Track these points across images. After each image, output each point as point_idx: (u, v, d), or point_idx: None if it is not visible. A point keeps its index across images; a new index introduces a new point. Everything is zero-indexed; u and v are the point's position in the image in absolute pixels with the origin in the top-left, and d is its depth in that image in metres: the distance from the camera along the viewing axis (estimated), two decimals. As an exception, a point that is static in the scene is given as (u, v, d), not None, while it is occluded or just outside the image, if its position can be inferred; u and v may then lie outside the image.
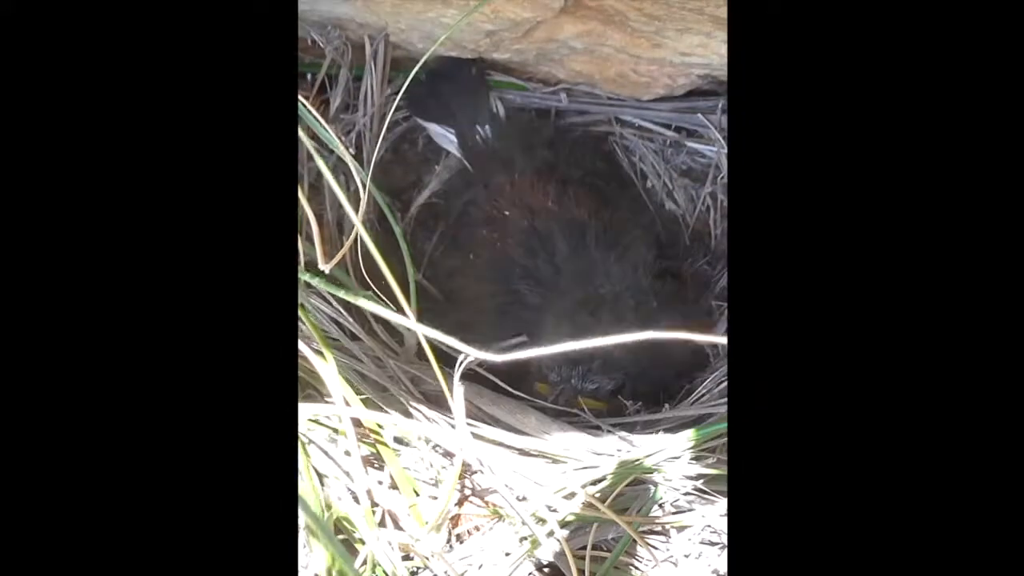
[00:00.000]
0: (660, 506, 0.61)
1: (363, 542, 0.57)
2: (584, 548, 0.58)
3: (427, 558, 0.58)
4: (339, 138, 0.57)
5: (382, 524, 0.59)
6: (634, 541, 0.58)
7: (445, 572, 0.57)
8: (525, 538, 0.58)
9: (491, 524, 0.60)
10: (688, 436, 0.62)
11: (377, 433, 0.61)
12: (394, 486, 0.60)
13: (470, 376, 0.63)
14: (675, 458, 0.61)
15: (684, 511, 0.61)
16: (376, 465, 0.61)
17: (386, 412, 0.61)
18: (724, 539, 0.60)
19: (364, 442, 0.60)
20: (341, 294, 0.55)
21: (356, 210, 0.54)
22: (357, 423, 0.60)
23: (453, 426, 0.58)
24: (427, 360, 0.55)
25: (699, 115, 0.88)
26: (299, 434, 0.59)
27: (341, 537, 0.58)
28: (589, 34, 0.76)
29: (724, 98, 0.87)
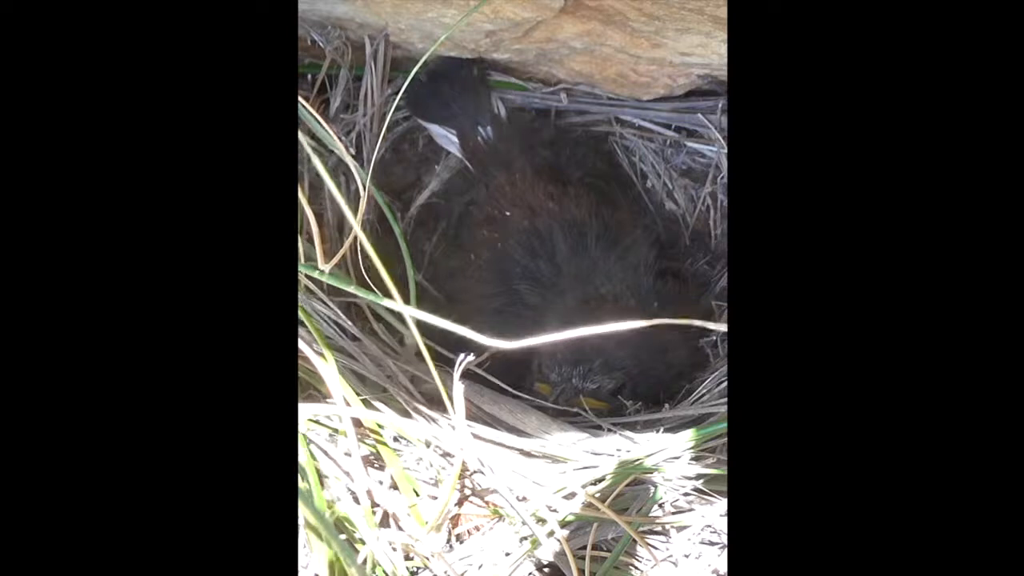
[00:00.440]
0: (660, 506, 0.61)
1: (363, 542, 0.57)
2: (584, 548, 0.58)
3: (427, 558, 0.58)
4: (339, 138, 0.57)
5: (384, 524, 0.59)
6: (634, 541, 0.58)
7: (445, 572, 0.57)
8: (525, 538, 0.58)
9: (491, 524, 0.60)
10: (688, 436, 0.62)
11: (377, 433, 0.61)
12: (394, 486, 0.60)
13: (470, 376, 0.63)
14: (675, 458, 0.61)
15: (684, 511, 0.61)
16: (376, 465, 0.61)
17: (387, 412, 0.61)
18: (724, 539, 0.60)
19: (364, 442, 0.60)
20: (341, 285, 0.55)
21: (356, 210, 0.54)
22: (357, 423, 0.60)
23: (453, 426, 0.58)
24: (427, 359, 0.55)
25: (699, 115, 0.88)
26: (300, 434, 0.59)
27: (341, 537, 0.58)
28: (589, 34, 0.76)
29: (724, 98, 0.87)
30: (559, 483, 0.59)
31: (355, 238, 0.55)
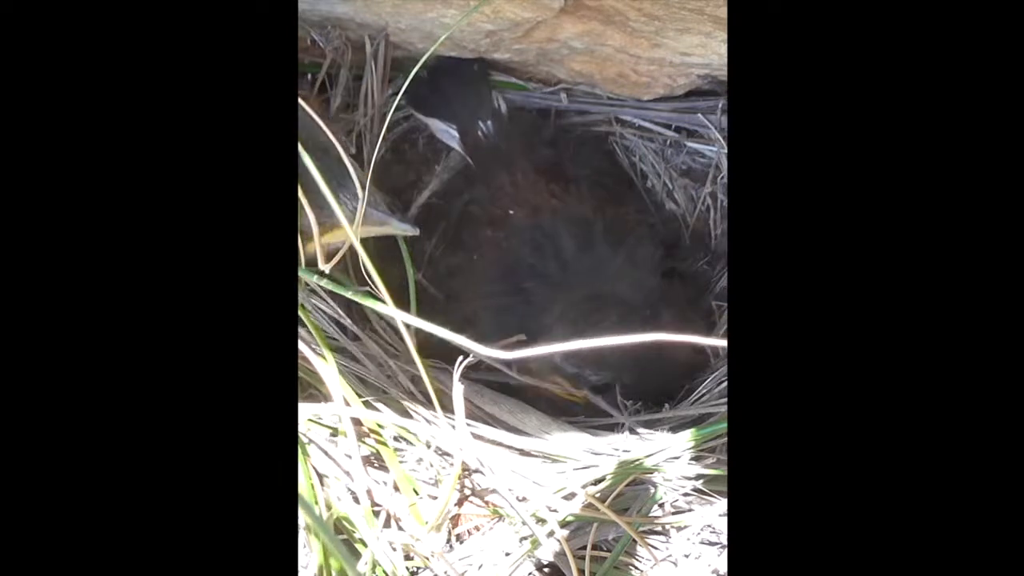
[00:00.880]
0: (660, 506, 0.61)
1: (363, 542, 0.57)
2: (584, 548, 0.58)
3: (427, 558, 0.58)
4: (339, 138, 0.57)
5: (387, 525, 0.59)
6: (634, 541, 0.58)
7: (445, 572, 0.57)
8: (525, 538, 0.58)
9: (491, 524, 0.60)
10: (688, 436, 0.62)
11: (377, 433, 0.61)
12: (394, 486, 0.60)
13: (470, 376, 0.63)
14: (675, 458, 0.61)
15: (684, 511, 0.61)
16: (376, 465, 0.61)
17: (387, 412, 0.61)
18: (724, 539, 0.60)
19: (364, 442, 0.60)
20: (339, 291, 0.55)
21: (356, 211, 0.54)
22: (357, 423, 0.60)
23: (453, 426, 0.58)
24: (427, 359, 0.55)
25: (699, 115, 0.88)
26: (300, 434, 0.59)
27: (341, 537, 0.58)
28: (589, 34, 0.76)
29: (724, 98, 0.87)
30: (559, 483, 0.59)
31: (355, 237, 0.55)
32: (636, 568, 0.59)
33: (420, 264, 0.83)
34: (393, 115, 0.84)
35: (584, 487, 0.59)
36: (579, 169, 0.81)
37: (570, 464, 0.61)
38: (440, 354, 0.65)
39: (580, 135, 0.88)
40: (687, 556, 0.59)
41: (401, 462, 0.60)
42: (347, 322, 0.66)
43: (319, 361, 0.59)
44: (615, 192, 0.82)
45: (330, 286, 0.55)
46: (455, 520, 0.60)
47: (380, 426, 0.61)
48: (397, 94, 0.73)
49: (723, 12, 0.65)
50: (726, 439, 0.61)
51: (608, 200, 0.78)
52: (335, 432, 0.61)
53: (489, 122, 0.84)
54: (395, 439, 0.62)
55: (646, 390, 0.72)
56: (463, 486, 0.61)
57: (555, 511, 0.58)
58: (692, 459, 0.61)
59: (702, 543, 0.60)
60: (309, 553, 0.55)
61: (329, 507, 0.57)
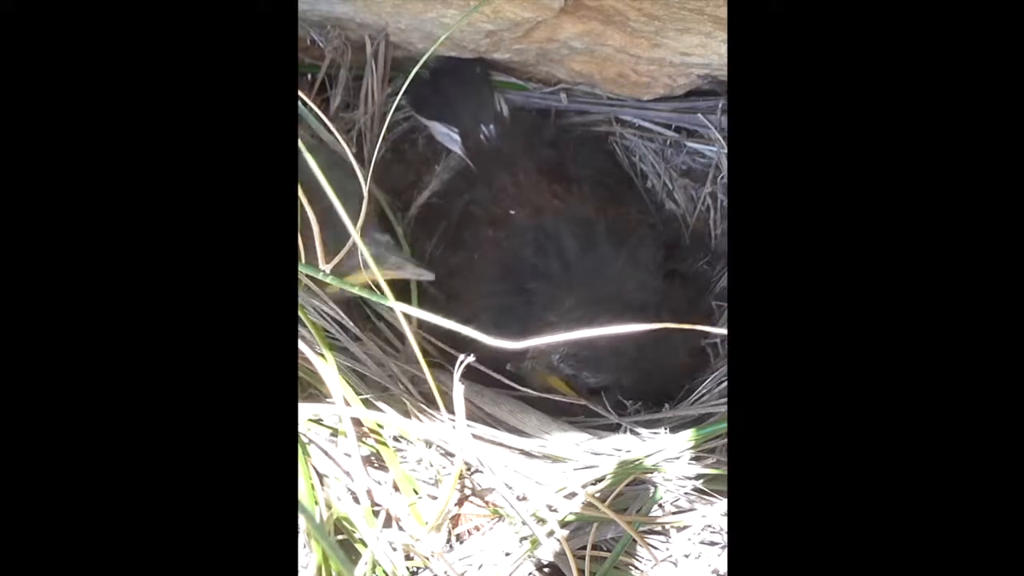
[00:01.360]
0: (660, 506, 0.61)
1: (363, 542, 0.57)
2: (584, 548, 0.58)
3: (427, 558, 0.58)
4: (339, 137, 0.57)
5: (387, 525, 0.59)
6: (634, 541, 0.58)
7: (445, 572, 0.57)
8: (525, 538, 0.58)
9: (491, 524, 0.60)
10: (688, 436, 0.62)
11: (377, 433, 0.61)
12: (394, 486, 0.60)
13: (470, 376, 0.63)
14: (675, 458, 0.61)
15: (684, 511, 0.61)
16: (376, 465, 0.61)
17: (387, 412, 0.61)
18: (724, 539, 0.60)
19: (364, 442, 0.60)
20: (344, 285, 0.55)
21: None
22: (357, 423, 0.60)
23: (454, 426, 0.58)
24: (428, 360, 0.55)
25: (699, 115, 0.88)
26: (300, 434, 0.59)
27: (341, 537, 0.58)
28: (589, 34, 0.76)
29: (724, 98, 0.87)
30: (559, 483, 0.59)
31: (357, 237, 0.55)
32: (636, 568, 0.59)
33: (420, 264, 0.83)
34: (393, 115, 0.84)
35: (584, 487, 0.59)
36: (581, 169, 0.81)
37: (570, 464, 0.61)
38: (443, 352, 0.65)
39: (580, 135, 0.88)
40: (687, 556, 0.59)
41: (401, 462, 0.60)
42: (347, 322, 0.66)
43: (319, 361, 0.59)
44: (616, 192, 0.82)
45: (335, 281, 0.55)
46: (455, 520, 0.60)
47: (380, 426, 0.61)
48: (397, 94, 0.73)
49: (723, 12, 0.65)
50: (726, 439, 0.61)
51: (610, 200, 0.78)
52: (335, 432, 0.61)
53: (492, 125, 0.84)
54: (395, 439, 0.62)
55: (646, 391, 0.72)
56: (463, 486, 0.61)
57: (555, 511, 0.58)
58: (692, 459, 0.61)
59: (702, 543, 0.60)
60: (309, 553, 0.55)
61: (329, 507, 0.57)
